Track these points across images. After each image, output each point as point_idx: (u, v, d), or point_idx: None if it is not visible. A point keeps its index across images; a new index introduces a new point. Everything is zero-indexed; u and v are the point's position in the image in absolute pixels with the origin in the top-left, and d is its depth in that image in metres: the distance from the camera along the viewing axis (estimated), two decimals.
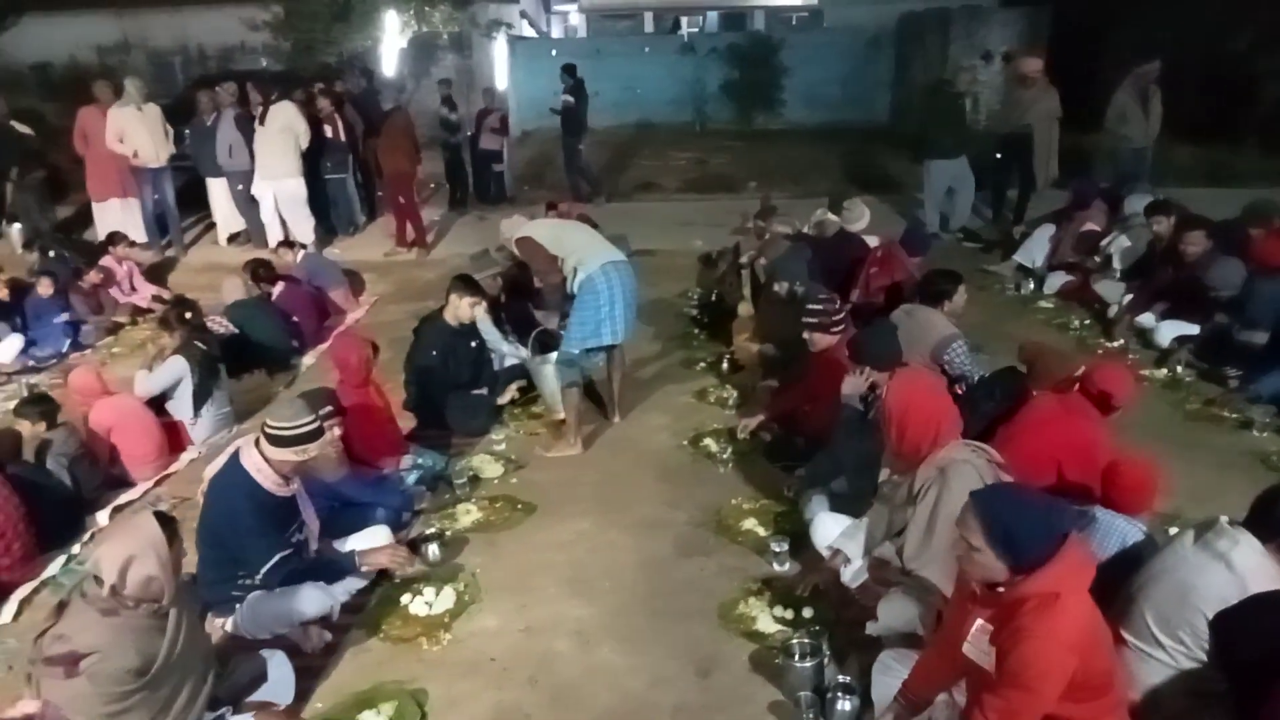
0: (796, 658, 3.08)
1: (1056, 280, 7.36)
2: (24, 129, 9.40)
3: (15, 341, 6.62)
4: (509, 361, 5.71)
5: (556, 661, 3.36)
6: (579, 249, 4.91)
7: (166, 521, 2.62)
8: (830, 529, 3.62)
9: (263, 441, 3.33)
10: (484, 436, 5.21)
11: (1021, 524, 2.21)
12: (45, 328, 6.89)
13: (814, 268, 5.83)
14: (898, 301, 5.30)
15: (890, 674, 2.83)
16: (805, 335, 4.51)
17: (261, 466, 3.32)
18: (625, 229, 8.78)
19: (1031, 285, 7.49)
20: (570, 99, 11.34)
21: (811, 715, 2.90)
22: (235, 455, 3.40)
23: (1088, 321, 6.71)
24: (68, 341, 6.94)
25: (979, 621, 2.34)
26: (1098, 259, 7.19)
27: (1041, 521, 2.24)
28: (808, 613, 3.48)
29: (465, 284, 5.21)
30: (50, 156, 10.10)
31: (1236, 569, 2.56)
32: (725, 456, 4.85)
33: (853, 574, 3.42)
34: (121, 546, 2.53)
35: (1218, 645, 2.57)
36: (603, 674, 3.28)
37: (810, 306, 4.50)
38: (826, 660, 3.09)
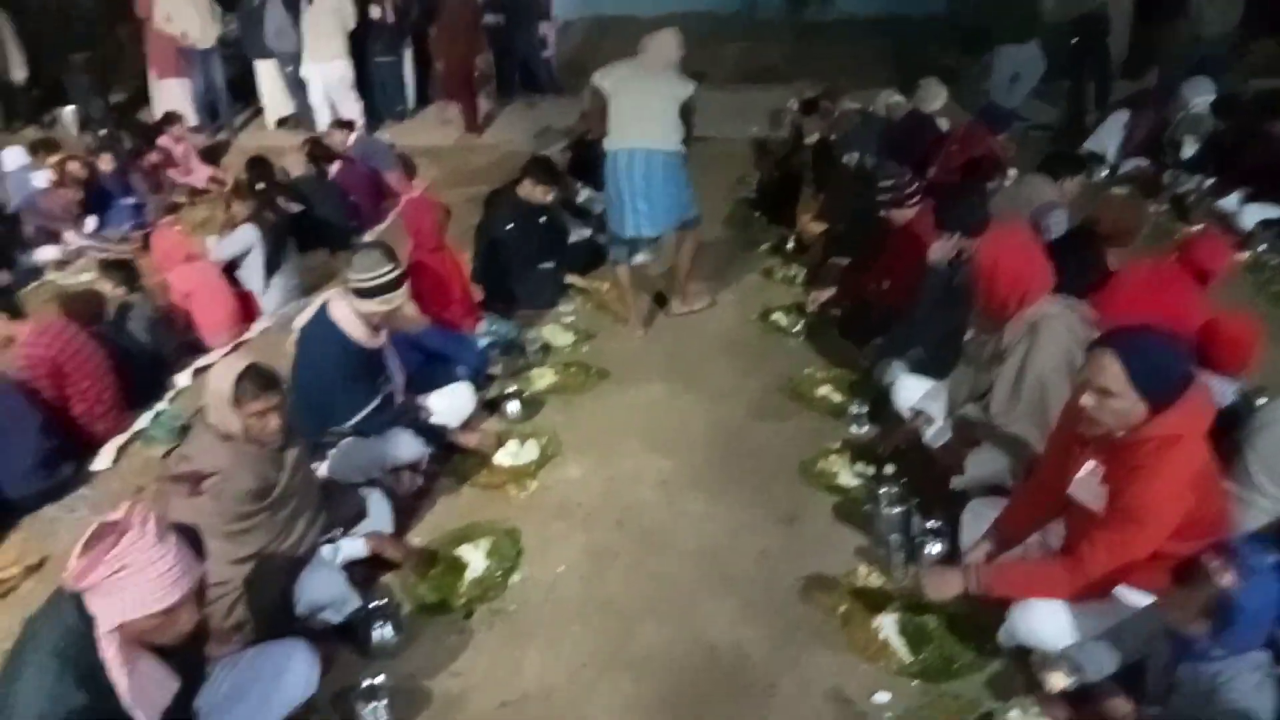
0: (884, 505, 3.11)
1: (1130, 167, 7.11)
2: None
3: (91, 221, 6.70)
4: (573, 238, 5.67)
5: (642, 508, 3.43)
6: (613, 117, 4.53)
7: (260, 377, 2.60)
8: (913, 390, 3.60)
9: (350, 295, 3.35)
10: (552, 309, 5.22)
11: (1163, 364, 2.15)
12: (113, 207, 6.94)
13: (884, 147, 5.67)
14: (975, 177, 5.15)
15: (981, 520, 2.82)
16: (882, 214, 4.40)
17: (350, 318, 3.33)
18: None
19: (1104, 173, 7.23)
20: None
21: (902, 558, 2.94)
22: (324, 307, 3.42)
23: (1165, 207, 6.51)
24: (131, 222, 6.99)
25: (1090, 463, 2.32)
26: (1168, 147, 6.92)
27: (1178, 361, 2.19)
28: (889, 469, 3.51)
29: (542, 170, 5.08)
30: (95, 40, 9.99)
31: None
32: (795, 330, 4.82)
33: (935, 433, 3.40)
34: (210, 383, 2.61)
35: None
36: (688, 520, 3.35)
37: (881, 184, 4.37)
38: (914, 508, 3.12)
